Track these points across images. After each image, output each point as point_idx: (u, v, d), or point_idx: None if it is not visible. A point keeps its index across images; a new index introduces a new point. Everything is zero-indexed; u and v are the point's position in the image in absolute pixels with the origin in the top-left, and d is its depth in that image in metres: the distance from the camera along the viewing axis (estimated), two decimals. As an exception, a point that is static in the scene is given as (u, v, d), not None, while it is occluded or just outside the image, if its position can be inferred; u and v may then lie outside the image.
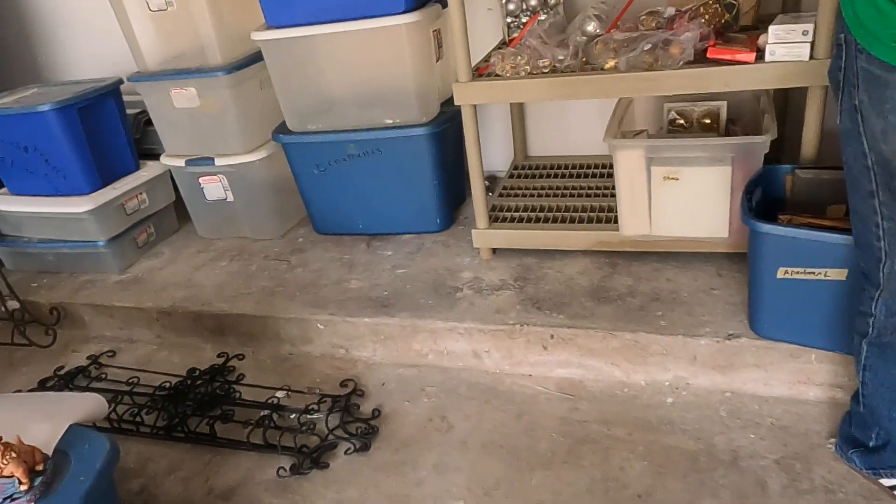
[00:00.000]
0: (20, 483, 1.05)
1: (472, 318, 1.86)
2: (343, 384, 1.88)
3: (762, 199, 1.64)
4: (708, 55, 1.66)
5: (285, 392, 1.88)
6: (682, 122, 2.04)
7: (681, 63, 1.67)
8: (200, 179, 2.40)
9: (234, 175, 2.36)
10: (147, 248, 2.53)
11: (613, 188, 1.97)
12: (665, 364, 1.71)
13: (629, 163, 1.80)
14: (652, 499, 1.42)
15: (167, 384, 1.96)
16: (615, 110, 1.99)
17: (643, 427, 1.61)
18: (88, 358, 2.17)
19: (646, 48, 1.69)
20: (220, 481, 1.65)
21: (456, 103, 1.91)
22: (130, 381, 2.00)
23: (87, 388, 2.01)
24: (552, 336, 1.78)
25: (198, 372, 2.01)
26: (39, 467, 1.10)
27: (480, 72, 1.93)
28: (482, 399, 1.78)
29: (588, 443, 1.58)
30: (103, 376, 2.07)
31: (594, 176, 2.35)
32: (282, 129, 2.29)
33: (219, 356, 2.08)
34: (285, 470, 1.63)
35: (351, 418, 1.76)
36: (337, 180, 2.28)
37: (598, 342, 1.74)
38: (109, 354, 2.19)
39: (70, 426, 1.22)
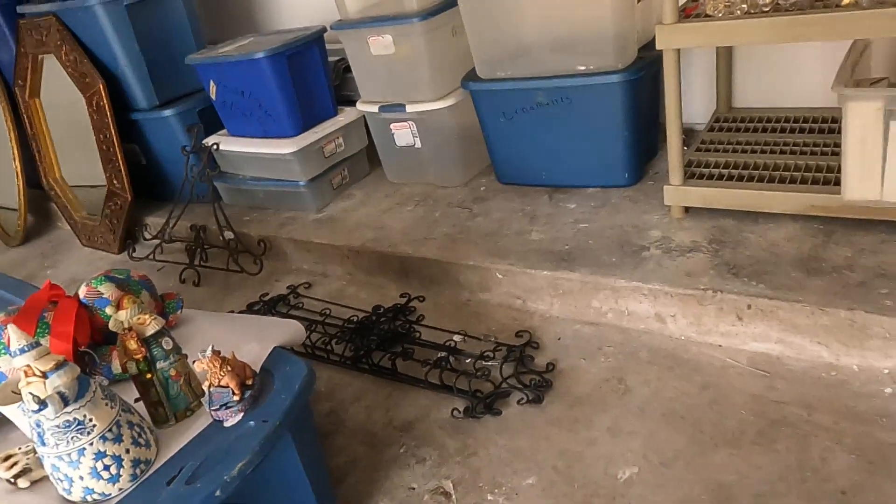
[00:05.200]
0: (233, 394, 1.18)
1: (658, 279, 1.76)
2: (518, 335, 1.88)
3: None
4: (985, -15, 1.37)
5: (462, 337, 1.92)
6: (935, 68, 1.72)
7: (946, -4, 1.39)
8: (392, 126, 2.49)
9: (422, 122, 2.41)
10: (341, 189, 2.69)
11: (834, 145, 1.73)
12: (886, 350, 1.49)
13: (862, 116, 1.55)
14: (859, 498, 1.26)
15: (355, 318, 2.10)
16: (848, 54, 1.72)
17: (853, 417, 1.43)
18: (288, 288, 2.38)
19: (899, -21, 1.43)
20: (399, 414, 1.74)
21: (658, 47, 1.76)
22: (323, 312, 2.17)
23: (286, 315, 2.21)
24: (749, 306, 1.63)
25: (382, 309, 2.12)
26: (249, 382, 1.22)
27: (688, 12, 1.76)
28: (664, 365, 1.68)
29: (784, 426, 1.44)
30: (300, 305, 2.26)
31: (811, 131, 2.07)
32: (471, 76, 2.29)
33: (401, 296, 2.18)
34: (459, 412, 1.68)
35: (525, 369, 1.76)
36: (523, 129, 2.24)
37: (805, 318, 1.56)
38: (306, 286, 2.39)
39: (274, 348, 1.34)
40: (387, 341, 1.96)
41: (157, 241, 2.74)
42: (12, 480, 1.13)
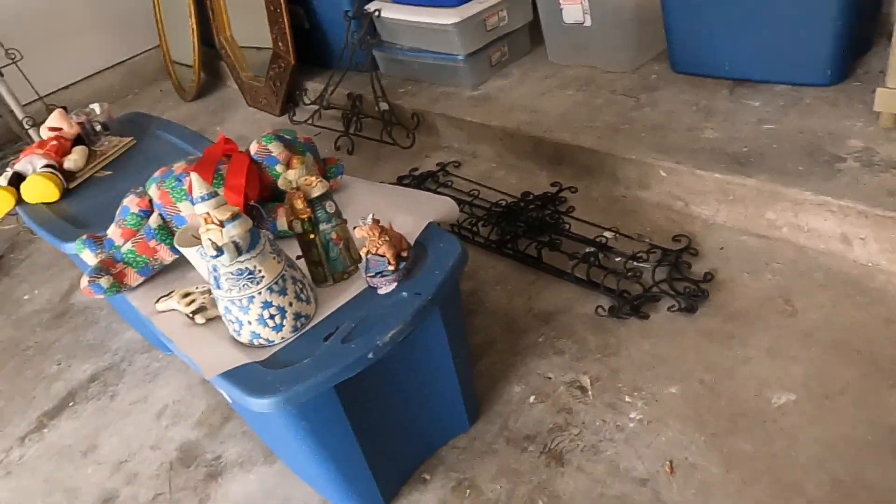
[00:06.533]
0: (389, 263, 1.19)
1: (852, 195, 1.55)
2: (676, 239, 1.77)
3: None
4: None
5: (613, 234, 1.84)
6: None
7: None
8: (561, 0, 2.30)
9: (596, -3, 2.20)
10: (499, 67, 2.58)
11: None
12: None
13: None
14: None
15: (503, 202, 2.06)
16: None
17: None
18: (438, 164, 2.37)
19: None
20: (540, 303, 1.72)
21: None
22: (471, 192, 2.14)
23: (434, 192, 2.21)
24: (964, 238, 1.40)
25: (531, 196, 2.06)
26: (404, 254, 1.23)
27: None
28: (842, 291, 1.52)
29: (983, 377, 1.27)
30: (449, 183, 2.25)
31: None
32: (659, -55, 2.03)
33: (552, 185, 2.10)
34: (604, 310, 1.63)
35: (679, 276, 1.66)
36: (712, 10, 1.98)
37: None
38: (455, 165, 2.36)
39: (428, 224, 1.33)
40: (533, 229, 1.91)
41: (315, 107, 2.80)
42: (191, 315, 1.24)
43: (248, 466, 1.54)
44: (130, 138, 2.06)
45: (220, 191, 1.35)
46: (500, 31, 2.49)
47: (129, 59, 3.81)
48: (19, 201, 1.86)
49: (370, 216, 1.17)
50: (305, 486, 1.46)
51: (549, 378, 1.53)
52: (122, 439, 1.71)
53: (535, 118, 2.23)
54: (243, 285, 1.10)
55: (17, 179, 1.87)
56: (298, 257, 1.30)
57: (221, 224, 1.08)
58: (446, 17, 2.37)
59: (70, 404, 1.86)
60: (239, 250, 1.08)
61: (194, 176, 1.08)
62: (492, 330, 1.69)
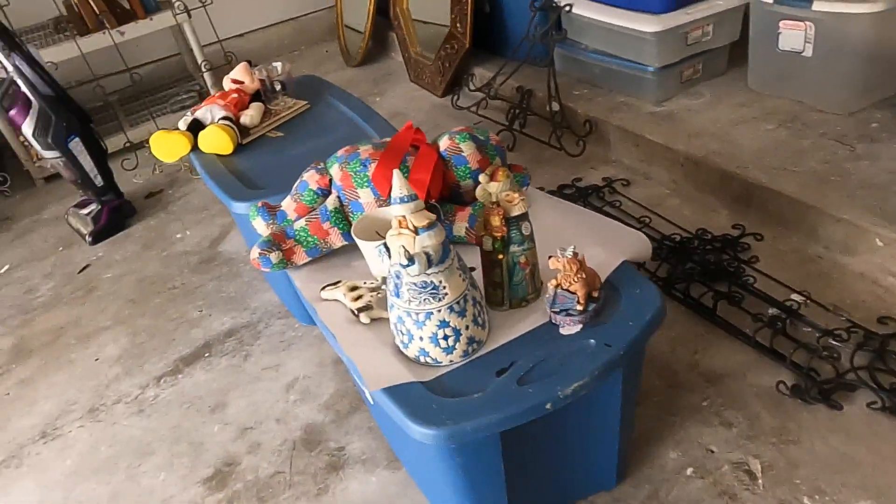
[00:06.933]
0: (578, 303, 1.07)
1: None
2: (882, 321, 1.53)
3: None
4: None
5: (804, 299, 1.62)
6: None
7: None
8: (781, 23, 2.05)
9: (825, 25, 1.94)
10: (688, 85, 2.36)
11: None
12: None
13: None
14: None
15: (676, 236, 1.87)
16: None
17: None
18: (604, 179, 2.21)
19: None
20: (708, 361, 1.55)
21: None
22: (642, 218, 1.97)
23: (599, 210, 2.06)
24: None
25: (709, 236, 1.86)
26: (595, 294, 1.10)
27: None
28: None
29: None
30: (616, 203, 2.08)
31: None
32: (922, -22, 1.75)
33: (734, 226, 1.89)
34: (786, 387, 1.43)
35: (884, 367, 1.43)
36: (973, 63, 1.69)
37: None
38: (624, 183, 2.19)
39: (622, 262, 1.19)
40: (709, 274, 1.73)
41: (481, 95, 2.70)
42: (355, 312, 1.17)
43: (371, 467, 1.48)
44: (305, 102, 2.05)
45: (404, 184, 1.27)
46: (700, 46, 2.27)
47: (303, 16, 3.87)
48: (194, 147, 1.89)
49: (570, 248, 1.05)
50: (427, 503, 1.38)
51: (712, 452, 1.36)
52: (249, 404, 1.71)
53: (725, 149, 2.02)
54: (424, 299, 1.02)
55: (195, 126, 1.90)
56: (471, 269, 1.21)
57: (415, 231, 0.99)
58: (647, 24, 2.18)
59: (206, 355, 1.89)
60: (430, 262, 0.99)
61: (397, 175, 1.00)
62: (648, 379, 1.54)
